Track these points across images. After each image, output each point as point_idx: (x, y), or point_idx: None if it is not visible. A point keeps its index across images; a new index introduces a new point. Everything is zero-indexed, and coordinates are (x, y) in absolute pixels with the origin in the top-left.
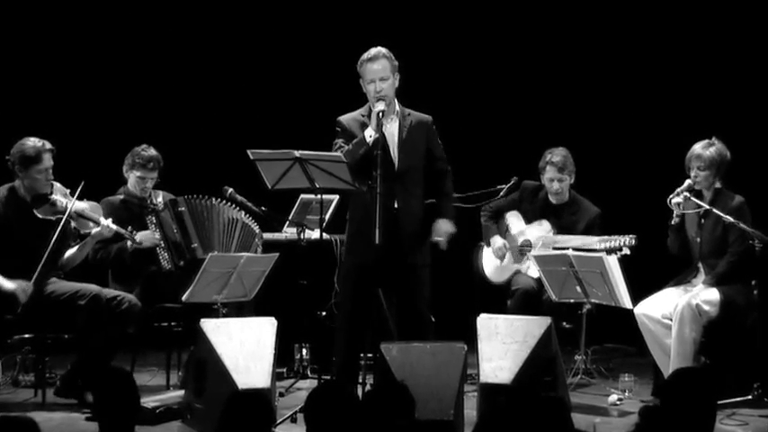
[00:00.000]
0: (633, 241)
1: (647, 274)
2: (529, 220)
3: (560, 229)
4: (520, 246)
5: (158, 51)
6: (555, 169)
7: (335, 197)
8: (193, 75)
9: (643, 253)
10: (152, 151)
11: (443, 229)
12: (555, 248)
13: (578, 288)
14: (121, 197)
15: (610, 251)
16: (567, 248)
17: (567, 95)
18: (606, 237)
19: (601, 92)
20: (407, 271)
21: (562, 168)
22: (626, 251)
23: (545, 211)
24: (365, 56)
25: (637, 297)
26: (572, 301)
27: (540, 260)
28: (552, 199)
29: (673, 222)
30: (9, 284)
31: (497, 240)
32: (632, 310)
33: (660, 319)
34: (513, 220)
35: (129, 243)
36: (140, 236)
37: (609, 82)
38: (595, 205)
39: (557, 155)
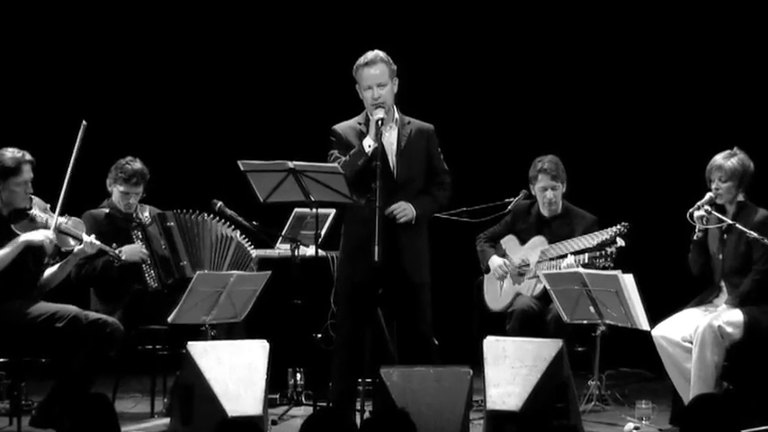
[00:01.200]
0: (625, 229)
1: (666, 293)
2: (524, 239)
3: (556, 239)
4: (518, 267)
5: (142, 57)
6: (548, 177)
7: (332, 211)
8: (180, 81)
9: (661, 271)
10: (137, 164)
11: (403, 206)
12: (552, 258)
13: (592, 308)
14: (106, 211)
15: (603, 245)
16: (565, 255)
17: (578, 104)
18: (596, 232)
19: (613, 100)
20: (409, 290)
21: (555, 176)
22: (621, 243)
23: (539, 225)
24: (361, 60)
25: (654, 318)
26: (585, 322)
27: (551, 279)
28: (545, 212)
29: (695, 237)
30: (36, 236)
31: (496, 260)
32: (650, 331)
33: (680, 342)
34: (510, 245)
35: (114, 260)
36: (126, 249)
37: (622, 89)
38: (604, 221)
39: (548, 162)
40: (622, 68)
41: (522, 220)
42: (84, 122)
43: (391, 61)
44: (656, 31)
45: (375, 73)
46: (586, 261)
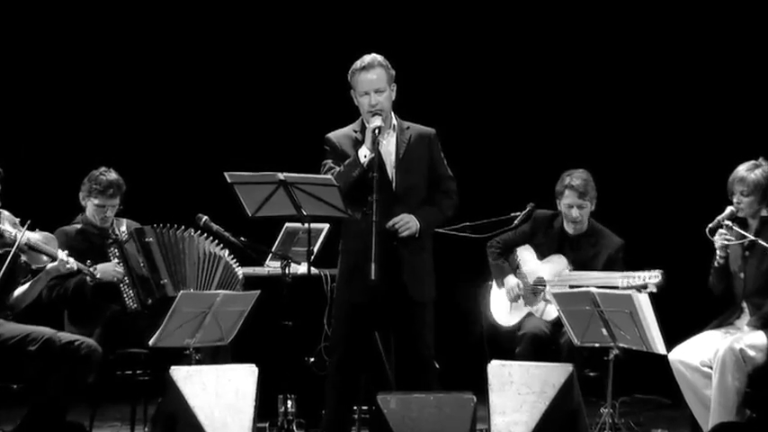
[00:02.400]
0: (659, 278)
1: (683, 314)
2: (543, 254)
3: (578, 263)
4: (533, 284)
5: (116, 61)
6: (575, 194)
7: (325, 226)
8: (159, 84)
9: (678, 290)
10: (112, 175)
11: (406, 218)
12: (572, 287)
13: (604, 330)
14: (78, 226)
15: (632, 289)
16: (586, 287)
17: (588, 110)
18: (629, 273)
19: (626, 107)
20: (408, 310)
21: (583, 193)
22: (651, 289)
23: (561, 243)
24: (358, 64)
25: (671, 341)
26: (597, 345)
27: (560, 299)
28: (569, 229)
29: (716, 263)
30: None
31: (511, 280)
32: (666, 355)
33: (698, 367)
34: (525, 256)
35: (88, 279)
36: (100, 268)
37: (635, 96)
38: (618, 235)
39: (577, 177)
40: (636, 70)
41: (543, 233)
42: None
43: (389, 66)
44: (682, 39)
45: (372, 78)
46: None
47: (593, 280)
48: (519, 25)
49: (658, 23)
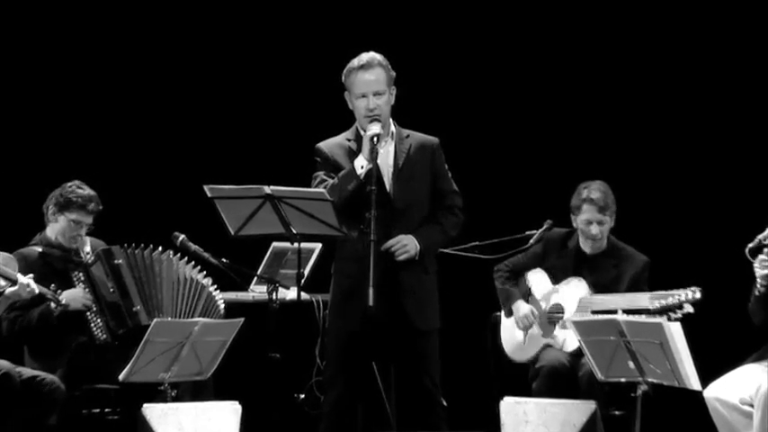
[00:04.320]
0: (697, 295)
1: (719, 345)
2: (557, 278)
3: (599, 287)
4: (548, 312)
5: (75, 62)
6: (595, 209)
7: (317, 246)
8: (124, 86)
9: (713, 317)
10: (89, 189)
11: (404, 240)
12: (594, 312)
13: (631, 364)
14: (39, 249)
15: (666, 310)
16: (614, 312)
17: (609, 114)
18: (660, 292)
19: (651, 112)
20: (410, 340)
21: (603, 207)
22: (688, 309)
23: (578, 264)
24: (355, 63)
25: (706, 376)
26: (623, 380)
27: (582, 328)
28: (586, 248)
29: (758, 292)
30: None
31: (522, 307)
32: (701, 392)
33: (738, 405)
34: (537, 280)
35: (53, 305)
36: (66, 295)
37: (658, 97)
38: (642, 253)
39: (595, 190)
40: (663, 67)
41: (557, 254)
42: None
43: (390, 66)
44: (715, 41)
45: (370, 79)
46: None
47: (620, 303)
48: (529, 22)
49: (683, 27)
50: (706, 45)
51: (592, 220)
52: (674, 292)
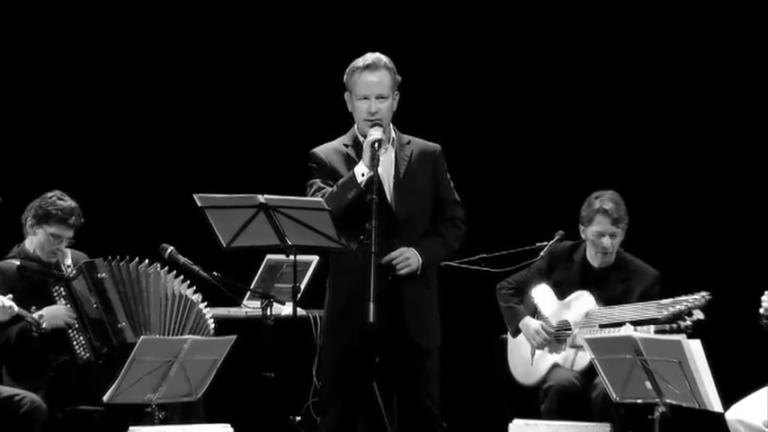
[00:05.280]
0: (705, 299)
1: (743, 364)
2: (563, 293)
3: (607, 302)
4: (555, 329)
5: (58, 66)
6: (608, 221)
7: (314, 258)
8: (108, 90)
9: (734, 334)
10: (70, 201)
11: (406, 254)
12: (603, 326)
13: (648, 384)
14: (17, 263)
15: (675, 318)
16: (622, 323)
17: (621, 121)
18: (668, 300)
19: (672, 119)
20: (411, 358)
21: (617, 220)
22: (698, 315)
23: (584, 279)
24: (360, 62)
25: (728, 397)
26: (639, 401)
27: (595, 345)
28: (594, 261)
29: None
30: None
31: (531, 323)
32: (723, 414)
33: (761, 428)
34: (543, 297)
35: (33, 330)
36: (46, 313)
37: (676, 105)
38: (652, 266)
39: (608, 200)
40: (677, 75)
41: (563, 268)
42: None
43: (396, 71)
44: (729, 46)
45: (374, 80)
46: (652, 334)
47: (627, 314)
48: (541, 22)
49: (701, 37)
50: (724, 55)
51: (604, 232)
52: (682, 298)
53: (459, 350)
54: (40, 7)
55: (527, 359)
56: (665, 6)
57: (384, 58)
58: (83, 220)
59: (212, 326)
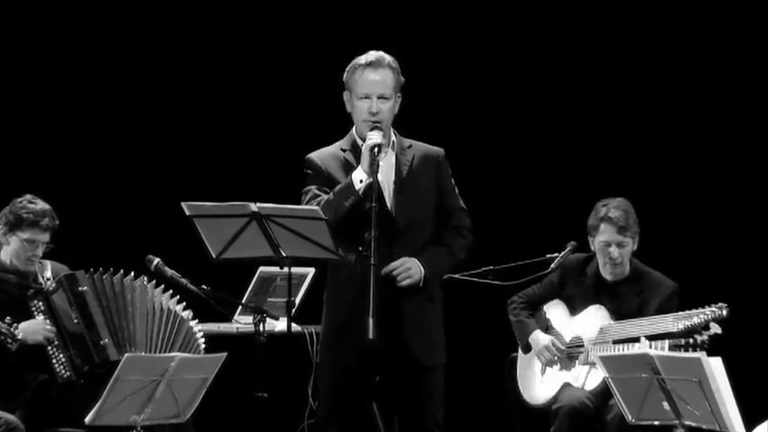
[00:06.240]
0: (724, 312)
1: (766, 384)
2: (576, 309)
3: (621, 316)
4: (567, 346)
5: (35, 66)
6: (614, 229)
7: (310, 270)
8: (90, 93)
9: (758, 352)
10: (42, 203)
11: (408, 264)
12: (616, 341)
13: (666, 404)
14: None
15: (691, 332)
16: (636, 339)
17: (641, 126)
18: (684, 312)
19: (685, 125)
20: (413, 377)
21: (624, 228)
22: (716, 329)
23: (598, 292)
24: (362, 59)
25: (751, 419)
26: (656, 423)
27: (610, 364)
28: (607, 274)
29: None
30: None
31: (541, 338)
32: None
33: None
34: (556, 313)
35: (9, 343)
36: (23, 327)
37: (694, 112)
38: (671, 279)
39: (615, 208)
40: (691, 77)
41: (575, 282)
42: None
43: (400, 71)
44: (744, 47)
45: (377, 79)
46: (667, 350)
47: (640, 328)
48: (552, 27)
49: (716, 44)
50: (752, 61)
51: (611, 241)
52: (699, 310)
53: (466, 368)
54: (19, 10)
55: (536, 376)
56: (684, 16)
57: (388, 57)
58: (58, 222)
59: (203, 344)
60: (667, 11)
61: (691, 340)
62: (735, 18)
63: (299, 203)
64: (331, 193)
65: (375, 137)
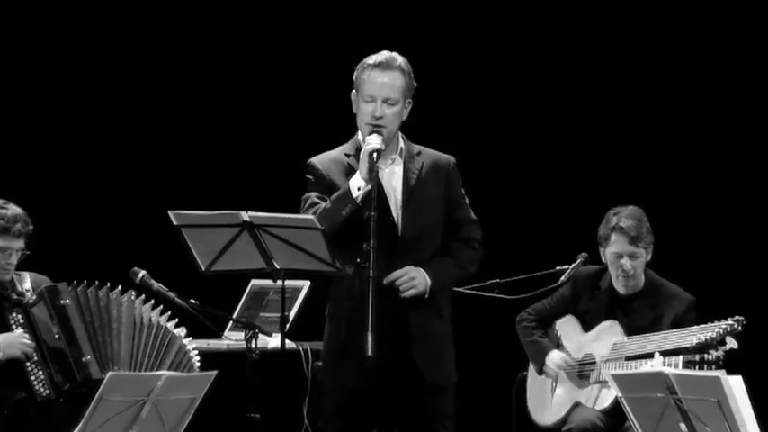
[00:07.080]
0: (739, 326)
1: None
2: (589, 325)
3: (635, 331)
4: (579, 363)
5: (17, 68)
6: (625, 239)
7: (305, 284)
8: (72, 93)
9: None
10: (14, 208)
11: (412, 273)
12: (630, 358)
13: (683, 425)
14: None
15: (706, 347)
16: (650, 354)
17: (656, 136)
18: (698, 327)
19: (701, 134)
20: (421, 398)
21: (636, 238)
22: (732, 344)
23: (611, 307)
24: (372, 59)
25: None
26: None
27: (622, 382)
28: (620, 288)
29: None
30: None
31: (554, 356)
32: None
33: None
34: (568, 330)
35: None
36: (1, 341)
37: (709, 123)
38: (688, 291)
39: (627, 217)
40: (706, 80)
41: (587, 296)
42: None
43: (412, 75)
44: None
45: (385, 81)
46: (681, 366)
47: (658, 342)
48: (565, 33)
49: (729, 52)
50: (759, 70)
51: (622, 252)
52: (714, 324)
53: (474, 388)
54: (5, 14)
55: (546, 396)
56: (701, 25)
57: (400, 59)
58: (32, 227)
59: (198, 362)
60: (690, 26)
61: (706, 356)
62: (756, 27)
63: (297, 211)
64: (328, 201)
65: (374, 141)
